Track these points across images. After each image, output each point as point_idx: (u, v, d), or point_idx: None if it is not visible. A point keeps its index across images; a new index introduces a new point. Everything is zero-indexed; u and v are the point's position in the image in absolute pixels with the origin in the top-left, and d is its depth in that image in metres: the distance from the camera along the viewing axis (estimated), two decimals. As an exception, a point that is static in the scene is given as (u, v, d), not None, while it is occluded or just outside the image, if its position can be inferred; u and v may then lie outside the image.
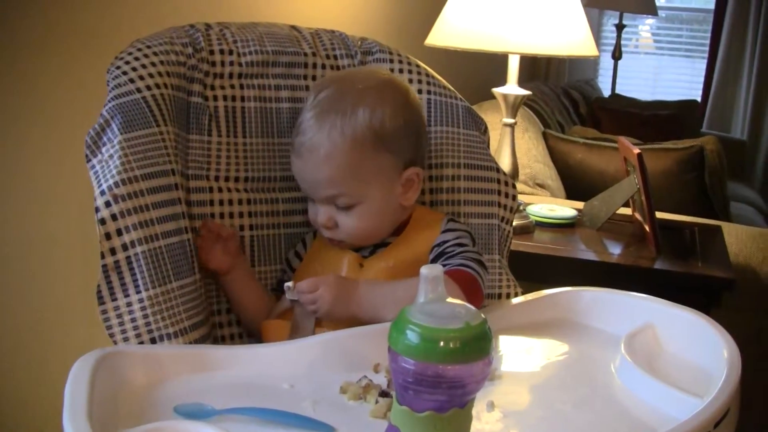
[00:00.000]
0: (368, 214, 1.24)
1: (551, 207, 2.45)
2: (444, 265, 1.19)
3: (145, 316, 1.10)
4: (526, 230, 2.27)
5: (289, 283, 1.19)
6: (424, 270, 0.79)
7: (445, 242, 1.25)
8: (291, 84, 1.35)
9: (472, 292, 1.17)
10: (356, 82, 1.24)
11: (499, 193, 1.38)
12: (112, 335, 1.10)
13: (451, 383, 0.74)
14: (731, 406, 0.95)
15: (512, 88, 2.18)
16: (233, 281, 1.27)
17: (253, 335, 1.29)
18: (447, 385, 0.74)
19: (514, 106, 2.18)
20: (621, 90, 5.66)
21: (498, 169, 1.39)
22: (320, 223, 1.25)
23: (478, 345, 0.75)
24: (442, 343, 0.73)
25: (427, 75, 1.41)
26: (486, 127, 1.42)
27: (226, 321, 1.29)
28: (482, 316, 0.76)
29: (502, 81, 2.23)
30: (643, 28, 6.68)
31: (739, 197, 4.36)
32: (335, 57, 1.39)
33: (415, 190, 1.27)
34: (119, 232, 1.10)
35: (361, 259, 1.27)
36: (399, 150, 1.24)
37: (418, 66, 1.41)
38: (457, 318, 0.75)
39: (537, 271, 1.96)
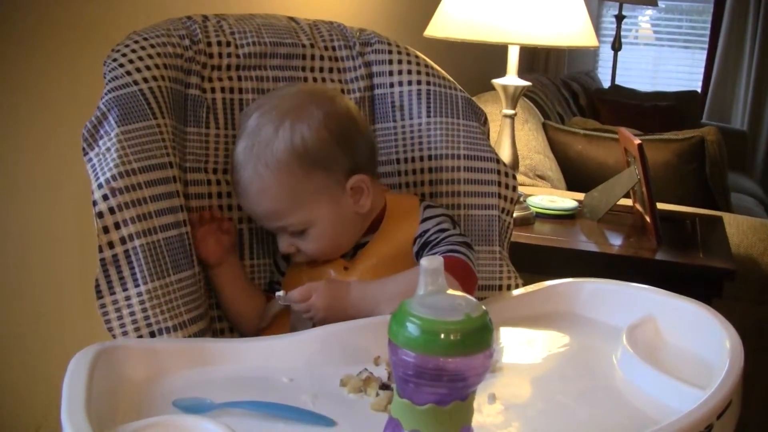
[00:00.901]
0: (323, 234, 1.22)
1: (551, 198, 2.44)
2: (433, 253, 1.19)
3: (144, 310, 1.09)
4: (526, 222, 2.27)
5: (280, 293, 1.18)
6: (424, 262, 0.78)
7: (426, 231, 1.24)
8: (289, 76, 1.35)
9: (465, 276, 1.17)
10: (274, 107, 1.21)
11: (500, 184, 1.37)
12: (110, 329, 1.09)
13: (452, 376, 0.74)
14: (734, 398, 0.94)
15: (512, 79, 2.18)
16: (219, 275, 1.26)
17: (238, 332, 1.28)
18: (448, 377, 0.74)
19: (514, 97, 2.18)
20: (621, 81, 5.66)
21: (498, 160, 1.38)
22: (282, 252, 1.26)
23: (479, 337, 0.74)
24: (442, 336, 0.73)
25: (427, 66, 1.40)
26: (486, 118, 1.41)
27: (225, 314, 1.29)
28: (483, 307, 0.76)
29: (501, 72, 2.22)
30: (643, 19, 6.67)
31: (740, 188, 4.36)
32: (333, 48, 1.39)
33: (367, 196, 1.24)
34: (117, 226, 1.10)
35: (345, 262, 1.26)
36: (332, 163, 1.21)
37: (417, 57, 1.41)
38: (458, 310, 0.74)
39: (537, 262, 1.95)
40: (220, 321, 1.28)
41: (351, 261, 1.26)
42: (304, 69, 1.36)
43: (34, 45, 1.49)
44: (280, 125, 1.18)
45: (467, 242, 1.23)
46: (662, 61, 6.56)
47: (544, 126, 3.35)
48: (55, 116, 1.54)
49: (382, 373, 1.03)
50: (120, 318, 1.09)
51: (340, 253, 1.26)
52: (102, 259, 1.09)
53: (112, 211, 1.09)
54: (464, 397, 0.76)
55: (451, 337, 0.73)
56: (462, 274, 1.16)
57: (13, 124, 1.48)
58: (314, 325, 1.17)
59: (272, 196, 1.19)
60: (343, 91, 1.38)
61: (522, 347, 1.17)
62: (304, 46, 1.36)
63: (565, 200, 2.43)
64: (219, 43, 1.30)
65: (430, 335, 0.73)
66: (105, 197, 1.10)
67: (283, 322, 1.24)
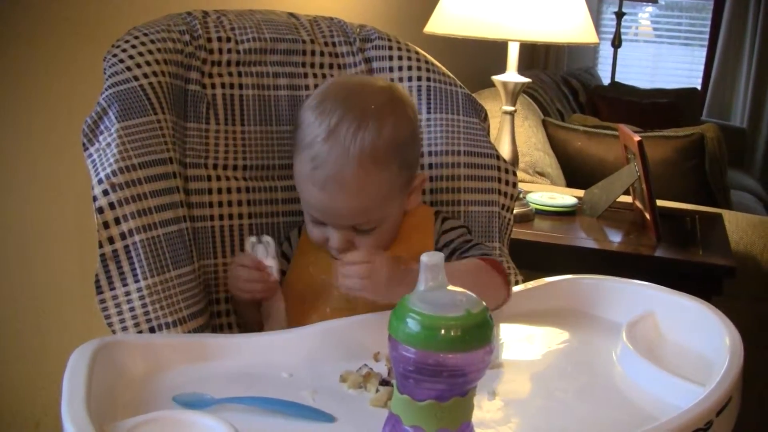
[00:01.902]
0: (387, 231, 1.21)
1: (551, 195, 2.44)
2: (466, 256, 1.20)
3: (144, 306, 1.09)
4: (526, 218, 2.27)
5: (253, 239, 1.17)
6: (425, 257, 0.78)
7: (451, 241, 1.24)
8: (289, 71, 1.35)
9: (504, 275, 1.19)
10: (366, 101, 1.16)
11: (500, 180, 1.37)
12: (110, 325, 1.09)
13: (452, 372, 0.74)
14: (733, 395, 0.94)
15: (512, 75, 2.17)
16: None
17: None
18: (448, 373, 0.74)
19: (514, 93, 2.18)
20: (620, 78, 5.65)
21: (498, 157, 1.38)
22: (335, 248, 1.20)
23: (479, 333, 0.74)
24: (442, 331, 0.73)
25: (427, 62, 1.40)
26: (486, 115, 1.41)
27: (224, 310, 1.28)
28: (483, 303, 0.76)
29: (501, 69, 2.22)
30: (643, 16, 6.66)
31: (739, 185, 4.35)
32: (334, 44, 1.38)
33: (418, 194, 1.26)
34: (117, 221, 1.10)
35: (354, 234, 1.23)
36: (413, 162, 1.23)
37: (417, 53, 1.40)
38: (458, 306, 0.74)
39: (537, 259, 1.95)
40: (219, 317, 1.27)
41: None
42: (304, 65, 1.36)
43: (34, 41, 1.49)
44: (380, 121, 1.15)
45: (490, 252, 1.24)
46: (662, 58, 6.55)
47: (544, 123, 3.35)
48: (55, 112, 1.53)
49: (382, 368, 1.03)
50: (120, 313, 1.09)
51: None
52: (102, 255, 1.09)
53: (112, 206, 1.09)
54: (464, 393, 0.76)
55: (452, 333, 0.73)
56: (502, 271, 1.18)
57: (13, 119, 1.48)
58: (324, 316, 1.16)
59: (369, 192, 1.15)
60: (343, 87, 1.38)
61: (522, 344, 1.17)
62: (304, 42, 1.36)
63: (565, 197, 2.43)
64: (219, 39, 1.30)
65: (431, 331, 0.73)
66: (105, 192, 1.10)
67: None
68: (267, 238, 1.18)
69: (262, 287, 1.17)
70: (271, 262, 1.17)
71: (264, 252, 1.17)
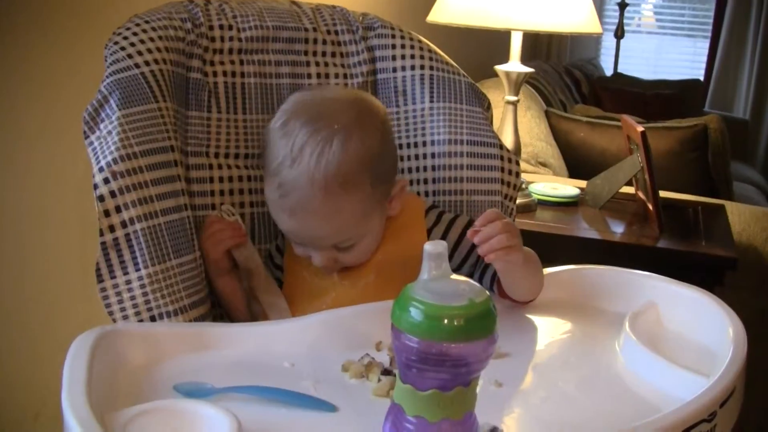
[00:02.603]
0: (369, 245, 1.20)
1: (554, 185, 2.44)
2: None
3: (145, 294, 1.09)
4: (528, 209, 2.26)
5: (226, 207, 1.22)
6: (428, 246, 0.77)
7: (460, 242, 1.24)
8: (291, 60, 1.34)
9: None
10: (331, 120, 1.12)
11: (502, 170, 1.37)
12: (111, 313, 1.09)
13: (455, 361, 0.73)
14: (737, 386, 0.94)
15: (515, 65, 2.17)
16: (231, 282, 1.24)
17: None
18: (451, 363, 0.73)
19: (517, 83, 2.17)
20: (623, 69, 5.64)
21: (501, 146, 1.37)
22: (319, 266, 1.19)
23: (482, 323, 0.74)
24: (446, 321, 0.72)
25: (430, 51, 1.39)
26: (489, 104, 1.40)
27: (226, 299, 1.28)
28: (487, 293, 0.75)
29: (504, 59, 2.21)
30: (646, 7, 6.65)
31: (742, 177, 4.35)
32: (336, 33, 1.38)
33: (399, 198, 1.22)
34: (118, 209, 1.09)
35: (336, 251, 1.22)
36: (387, 172, 1.19)
37: (420, 41, 1.40)
38: (461, 295, 0.74)
39: (539, 249, 1.92)
40: (221, 306, 1.27)
41: None
42: (306, 53, 1.35)
43: (35, 29, 1.48)
44: (347, 140, 1.11)
45: None
46: (665, 49, 6.53)
47: (547, 113, 3.34)
48: (56, 100, 1.53)
49: (384, 358, 1.03)
50: (120, 302, 1.09)
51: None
52: (103, 243, 1.09)
53: (113, 194, 1.09)
54: (467, 382, 0.76)
55: (455, 323, 0.72)
56: None
57: (14, 108, 1.48)
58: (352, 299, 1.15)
59: (343, 216, 1.13)
60: (345, 75, 1.37)
61: (524, 334, 1.16)
62: (306, 30, 1.35)
63: (568, 187, 2.43)
64: (221, 27, 1.29)
65: (434, 320, 0.73)
66: (106, 181, 1.09)
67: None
68: (226, 207, 1.24)
69: (231, 233, 1.21)
70: (234, 218, 1.23)
71: (226, 216, 1.23)
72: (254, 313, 1.23)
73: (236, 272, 1.24)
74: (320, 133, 1.10)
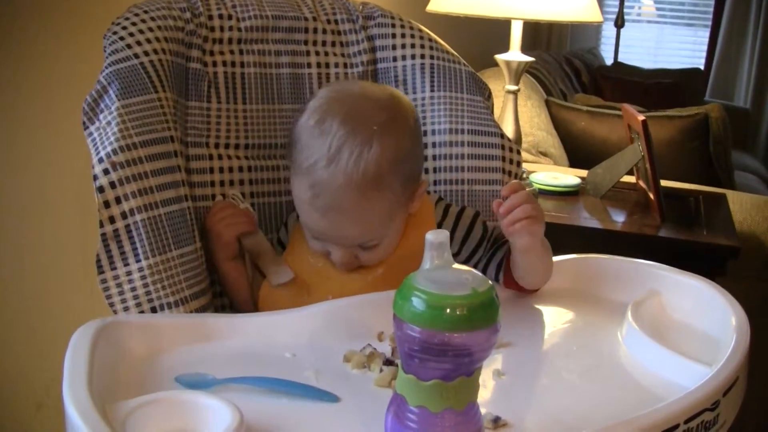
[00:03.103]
0: (391, 244, 1.18)
1: (554, 175, 2.43)
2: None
3: (145, 285, 1.09)
4: (529, 199, 2.25)
5: (238, 194, 1.24)
6: (430, 236, 0.77)
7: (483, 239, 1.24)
8: (291, 49, 1.33)
9: None
10: (369, 120, 1.09)
11: (503, 159, 1.36)
12: (112, 305, 1.09)
13: (457, 351, 0.73)
14: (740, 375, 0.94)
15: (515, 54, 2.16)
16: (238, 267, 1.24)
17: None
18: (453, 353, 0.73)
19: (517, 72, 2.16)
20: (623, 59, 5.62)
21: (502, 135, 1.37)
22: (337, 263, 1.17)
23: (485, 312, 0.73)
24: (448, 311, 0.72)
25: (430, 40, 1.39)
26: (490, 93, 1.40)
27: (227, 290, 1.27)
28: (489, 282, 0.75)
29: (504, 48, 2.20)
30: (646, -4, 6.62)
31: (743, 166, 4.34)
32: (336, 22, 1.37)
33: (420, 198, 1.20)
34: (118, 200, 1.09)
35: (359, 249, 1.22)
36: (415, 172, 1.18)
37: (420, 31, 1.39)
38: (464, 285, 0.74)
39: (540, 239, 1.94)
40: (221, 296, 1.27)
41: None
42: (306, 42, 1.34)
43: (34, 19, 1.48)
44: (383, 142, 1.09)
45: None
46: (665, 38, 6.51)
47: (547, 103, 3.33)
48: (55, 91, 1.52)
49: (385, 348, 1.03)
50: (121, 293, 1.09)
51: None
52: (103, 234, 1.08)
53: (113, 185, 1.08)
54: (470, 372, 0.75)
55: (457, 312, 0.72)
56: None
57: (13, 98, 1.47)
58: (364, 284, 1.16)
59: (372, 216, 1.12)
60: (345, 65, 1.37)
61: (527, 323, 1.16)
62: (306, 19, 1.34)
63: (568, 177, 2.42)
64: (220, 17, 1.29)
65: (436, 310, 0.72)
66: (106, 171, 1.09)
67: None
68: (232, 192, 1.25)
69: (246, 219, 1.23)
70: (245, 206, 1.25)
71: (235, 203, 1.25)
72: (255, 291, 1.23)
73: (242, 259, 1.24)
74: (358, 135, 1.08)
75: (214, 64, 1.28)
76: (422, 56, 1.37)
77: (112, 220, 1.09)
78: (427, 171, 1.36)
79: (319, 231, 1.15)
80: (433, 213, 1.24)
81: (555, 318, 1.17)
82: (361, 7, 1.40)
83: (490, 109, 1.39)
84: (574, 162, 3.08)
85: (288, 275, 1.20)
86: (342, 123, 1.08)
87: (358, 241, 1.15)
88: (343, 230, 1.13)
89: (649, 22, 6.58)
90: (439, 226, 1.23)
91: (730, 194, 2.55)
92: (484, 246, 1.23)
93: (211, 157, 1.26)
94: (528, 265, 1.16)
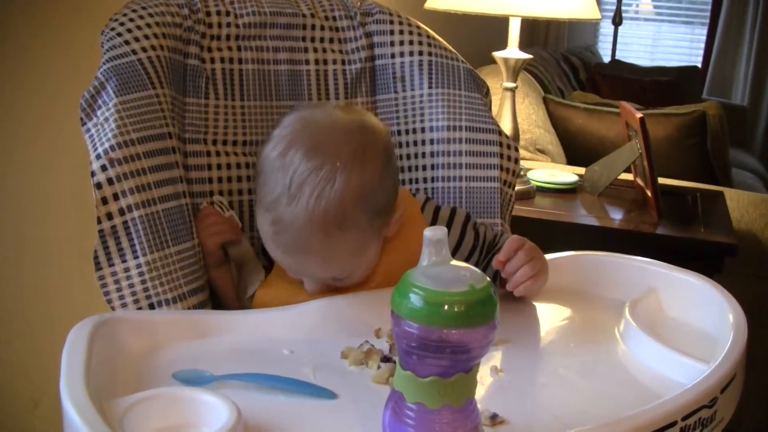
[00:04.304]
0: (365, 271, 1.15)
1: (552, 172, 2.44)
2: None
3: (143, 282, 1.09)
4: (526, 195, 2.26)
5: (205, 203, 1.22)
6: (428, 232, 0.77)
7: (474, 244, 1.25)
8: (289, 46, 1.33)
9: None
10: (335, 153, 1.05)
11: (501, 156, 1.36)
12: (109, 301, 1.09)
13: (455, 348, 0.73)
14: (737, 372, 0.94)
15: (513, 51, 2.16)
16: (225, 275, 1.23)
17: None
18: (451, 349, 0.73)
19: (515, 70, 2.16)
20: (621, 56, 5.64)
21: (500, 132, 1.37)
22: (310, 292, 1.14)
23: (482, 309, 0.73)
24: (446, 307, 0.72)
25: (428, 36, 1.38)
26: (488, 90, 1.40)
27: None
28: (487, 279, 0.75)
29: (502, 45, 2.20)
30: (644, -6, 6.63)
31: (740, 164, 4.35)
32: (334, 18, 1.37)
33: (396, 223, 1.16)
34: (116, 197, 1.08)
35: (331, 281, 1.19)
36: (386, 203, 1.12)
37: (418, 27, 1.39)
38: (462, 281, 0.74)
39: (538, 236, 1.92)
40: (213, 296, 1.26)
41: None
42: (304, 39, 1.34)
43: (31, 15, 1.47)
44: (349, 179, 1.04)
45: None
46: (662, 36, 6.52)
47: (545, 100, 3.34)
48: (52, 87, 1.52)
49: (383, 345, 1.03)
50: (119, 290, 1.08)
51: None
52: (100, 231, 1.08)
53: (110, 182, 1.08)
54: (468, 369, 0.75)
55: (455, 309, 0.72)
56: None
57: (10, 95, 1.47)
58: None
59: (340, 255, 1.08)
60: (343, 62, 1.36)
61: (524, 321, 1.16)
62: (304, 15, 1.34)
63: (566, 174, 2.42)
64: (218, 13, 1.28)
65: (434, 306, 0.72)
66: (103, 168, 1.08)
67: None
68: (217, 198, 1.24)
69: (229, 227, 1.21)
70: (229, 214, 1.23)
71: (220, 210, 1.23)
72: (242, 297, 1.23)
73: (229, 264, 1.23)
74: (321, 171, 1.04)
75: (212, 60, 1.28)
76: (420, 53, 1.36)
77: (109, 216, 1.08)
78: (424, 168, 1.35)
79: (285, 266, 1.13)
80: (421, 216, 1.23)
81: (553, 315, 1.17)
82: (359, 3, 1.40)
83: (488, 106, 1.39)
84: (572, 159, 3.08)
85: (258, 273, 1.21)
86: (305, 156, 1.04)
87: (327, 276, 1.13)
88: (308, 269, 1.11)
89: (646, 19, 6.59)
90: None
91: (727, 192, 2.56)
92: (477, 253, 1.23)
93: (208, 154, 1.26)
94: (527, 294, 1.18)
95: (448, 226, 1.23)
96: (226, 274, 1.22)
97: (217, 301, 1.25)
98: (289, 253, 1.09)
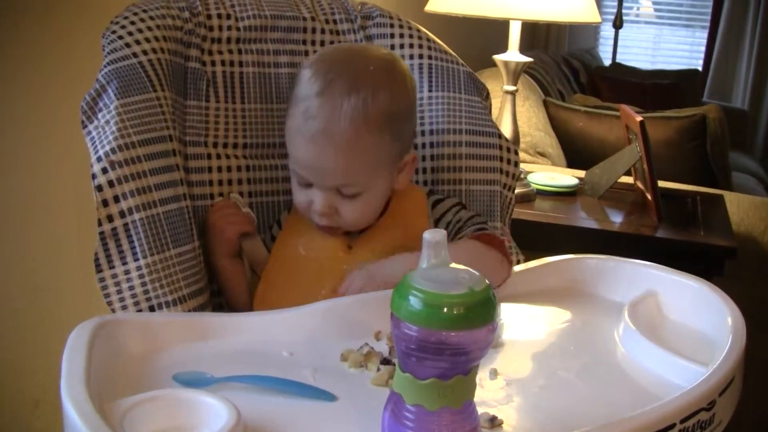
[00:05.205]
0: (370, 202, 1.20)
1: (552, 175, 2.44)
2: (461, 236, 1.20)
3: (144, 284, 1.09)
4: (527, 198, 2.26)
5: (239, 197, 1.26)
6: (427, 235, 0.77)
7: (448, 224, 1.24)
8: (290, 49, 1.34)
9: (504, 250, 1.18)
10: (367, 63, 1.16)
11: (501, 159, 1.36)
12: (110, 303, 1.09)
13: (454, 350, 0.73)
14: (736, 375, 0.94)
15: (513, 54, 2.16)
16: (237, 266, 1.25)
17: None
18: (450, 351, 0.73)
19: (516, 73, 2.16)
20: (621, 59, 5.63)
21: (500, 135, 1.37)
22: (318, 211, 1.18)
23: (482, 311, 0.73)
24: (445, 309, 0.72)
25: (428, 40, 1.39)
26: (488, 93, 1.40)
27: (225, 289, 1.27)
28: (486, 281, 0.75)
29: (502, 49, 2.20)
30: (644, -3, 6.63)
31: (740, 167, 4.34)
32: (335, 21, 1.37)
33: (408, 173, 1.24)
34: (116, 199, 1.09)
35: (350, 240, 1.23)
36: (406, 135, 1.21)
37: (418, 30, 1.39)
38: (461, 283, 0.74)
39: (538, 239, 1.95)
40: (219, 295, 1.27)
41: (356, 240, 1.24)
42: (305, 42, 1.35)
43: (33, 17, 1.48)
44: (377, 84, 1.14)
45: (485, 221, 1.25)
46: (663, 39, 6.52)
47: (545, 103, 3.34)
48: (55, 90, 1.52)
49: (383, 347, 1.03)
50: (119, 292, 1.09)
51: (362, 227, 1.23)
52: (101, 233, 1.08)
53: (111, 184, 1.09)
54: (467, 371, 0.76)
55: (454, 311, 0.72)
56: (499, 245, 1.18)
57: (11, 97, 1.47)
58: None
59: (359, 152, 1.13)
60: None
61: (523, 323, 1.16)
62: (305, 19, 1.35)
63: (566, 177, 2.43)
64: (219, 16, 1.29)
65: (433, 308, 0.72)
66: (104, 170, 1.09)
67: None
68: (234, 195, 1.27)
69: (247, 220, 1.25)
70: (246, 210, 1.26)
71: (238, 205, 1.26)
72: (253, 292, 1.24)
73: (240, 258, 1.25)
74: (352, 74, 1.13)
75: (213, 63, 1.28)
76: (420, 56, 1.37)
77: (110, 218, 1.09)
78: (425, 171, 1.36)
79: (305, 161, 1.16)
80: (425, 201, 1.26)
81: (552, 317, 1.18)
82: (359, 6, 1.40)
83: (488, 109, 1.40)
84: (572, 162, 3.08)
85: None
86: (339, 63, 1.16)
87: (339, 180, 1.16)
88: (326, 161, 1.14)
89: (647, 22, 6.59)
90: (434, 219, 1.25)
91: (727, 195, 2.56)
92: (452, 218, 1.26)
93: (209, 157, 1.26)
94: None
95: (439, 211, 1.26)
96: (238, 266, 1.24)
97: (217, 302, 1.26)
98: (314, 141, 1.12)
